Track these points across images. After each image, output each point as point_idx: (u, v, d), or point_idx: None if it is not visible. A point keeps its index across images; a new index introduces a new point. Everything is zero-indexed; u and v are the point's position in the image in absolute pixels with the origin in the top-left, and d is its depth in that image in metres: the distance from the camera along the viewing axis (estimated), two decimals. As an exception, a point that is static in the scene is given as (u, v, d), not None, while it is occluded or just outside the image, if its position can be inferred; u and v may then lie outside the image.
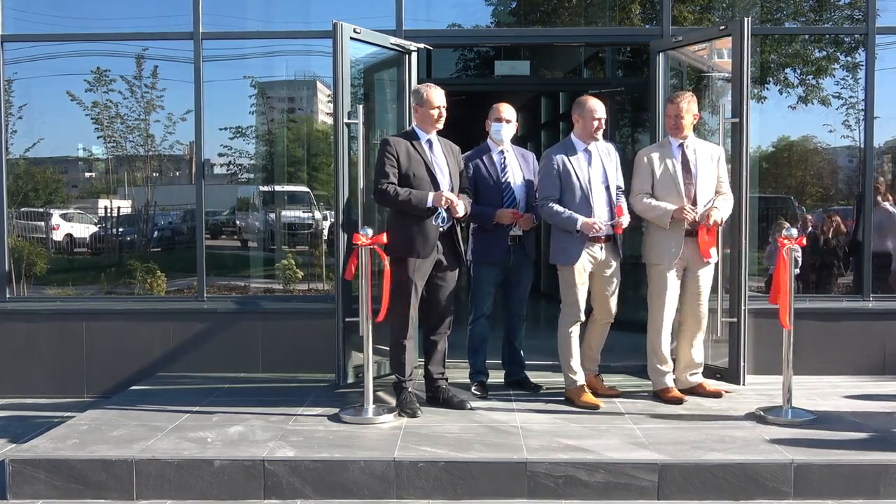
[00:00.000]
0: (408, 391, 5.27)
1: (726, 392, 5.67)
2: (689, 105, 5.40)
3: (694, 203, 5.38)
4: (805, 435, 4.75)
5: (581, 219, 5.22)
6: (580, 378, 5.43)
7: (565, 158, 5.36)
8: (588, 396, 5.38)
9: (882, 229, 6.96)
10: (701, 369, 5.72)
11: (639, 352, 5.94)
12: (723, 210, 5.43)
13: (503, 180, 5.56)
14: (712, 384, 5.77)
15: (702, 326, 5.62)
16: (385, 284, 5.04)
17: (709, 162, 5.50)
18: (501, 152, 5.63)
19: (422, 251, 5.15)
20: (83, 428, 4.99)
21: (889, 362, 6.32)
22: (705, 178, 5.46)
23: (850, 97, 7.16)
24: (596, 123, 5.32)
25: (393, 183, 5.12)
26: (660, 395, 5.55)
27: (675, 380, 5.60)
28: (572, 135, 5.48)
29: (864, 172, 6.62)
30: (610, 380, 5.88)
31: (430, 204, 5.07)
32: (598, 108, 5.33)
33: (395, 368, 5.35)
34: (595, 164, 5.38)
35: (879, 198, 6.89)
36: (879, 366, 6.37)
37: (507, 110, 5.62)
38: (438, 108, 5.22)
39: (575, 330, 5.42)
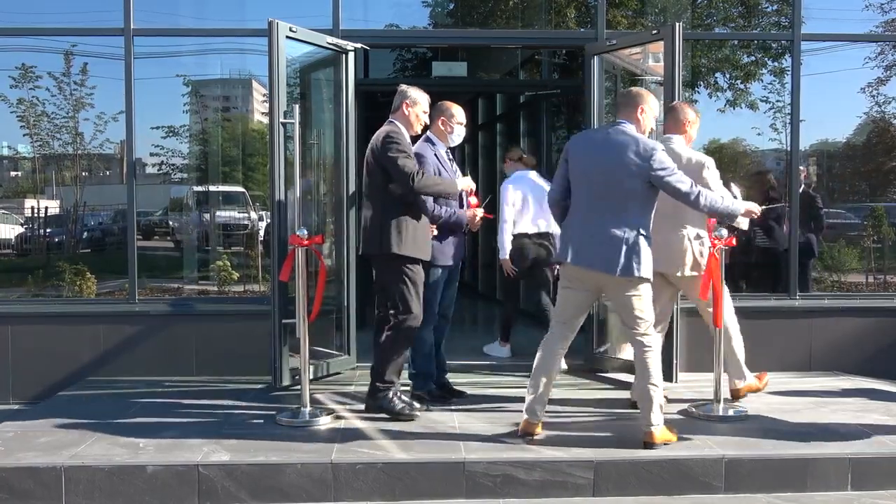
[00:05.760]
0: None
1: None
2: None
3: None
4: (735, 430, 4.86)
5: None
6: None
7: None
8: None
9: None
10: None
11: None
12: None
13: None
14: None
15: None
16: (319, 284, 4.98)
17: None
18: (448, 150, 5.37)
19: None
20: (9, 435, 4.83)
21: (815, 358, 6.51)
22: None
23: (777, 101, 7.38)
24: None
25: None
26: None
27: None
28: None
29: (790, 174, 6.82)
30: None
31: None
32: None
33: (393, 372, 5.03)
34: None
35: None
36: (806, 362, 6.56)
37: (463, 114, 5.36)
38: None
39: None
